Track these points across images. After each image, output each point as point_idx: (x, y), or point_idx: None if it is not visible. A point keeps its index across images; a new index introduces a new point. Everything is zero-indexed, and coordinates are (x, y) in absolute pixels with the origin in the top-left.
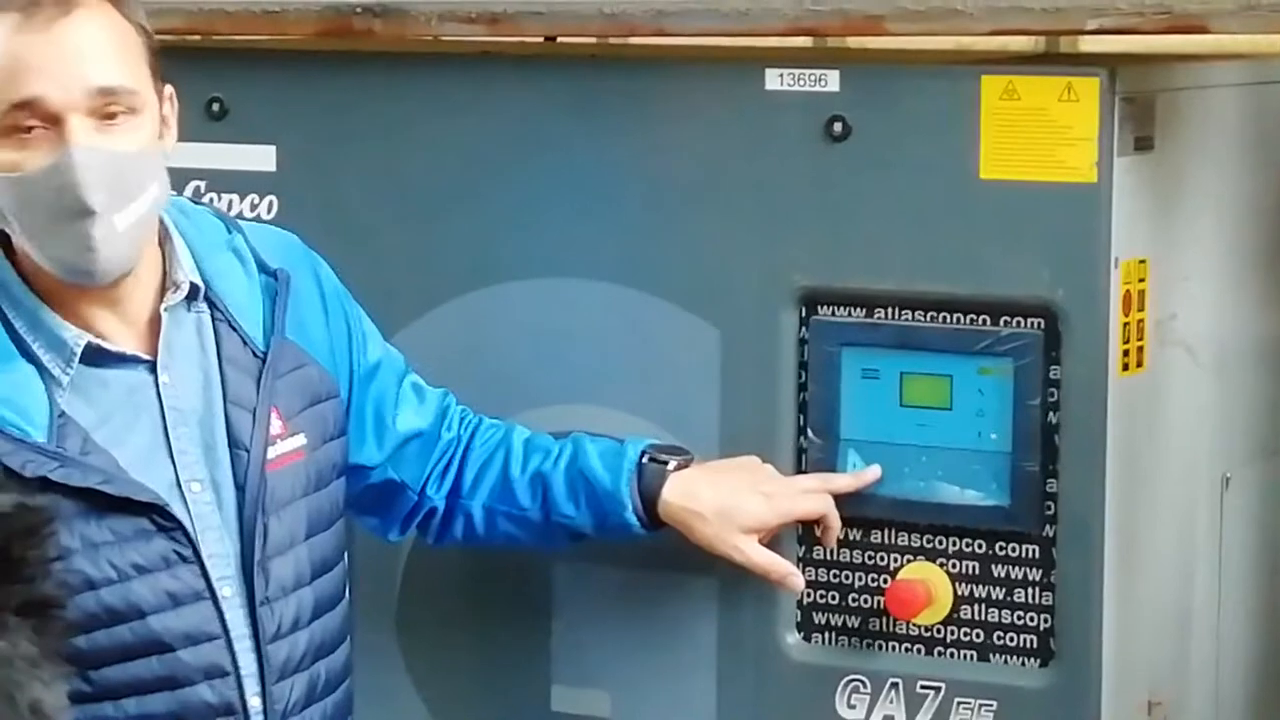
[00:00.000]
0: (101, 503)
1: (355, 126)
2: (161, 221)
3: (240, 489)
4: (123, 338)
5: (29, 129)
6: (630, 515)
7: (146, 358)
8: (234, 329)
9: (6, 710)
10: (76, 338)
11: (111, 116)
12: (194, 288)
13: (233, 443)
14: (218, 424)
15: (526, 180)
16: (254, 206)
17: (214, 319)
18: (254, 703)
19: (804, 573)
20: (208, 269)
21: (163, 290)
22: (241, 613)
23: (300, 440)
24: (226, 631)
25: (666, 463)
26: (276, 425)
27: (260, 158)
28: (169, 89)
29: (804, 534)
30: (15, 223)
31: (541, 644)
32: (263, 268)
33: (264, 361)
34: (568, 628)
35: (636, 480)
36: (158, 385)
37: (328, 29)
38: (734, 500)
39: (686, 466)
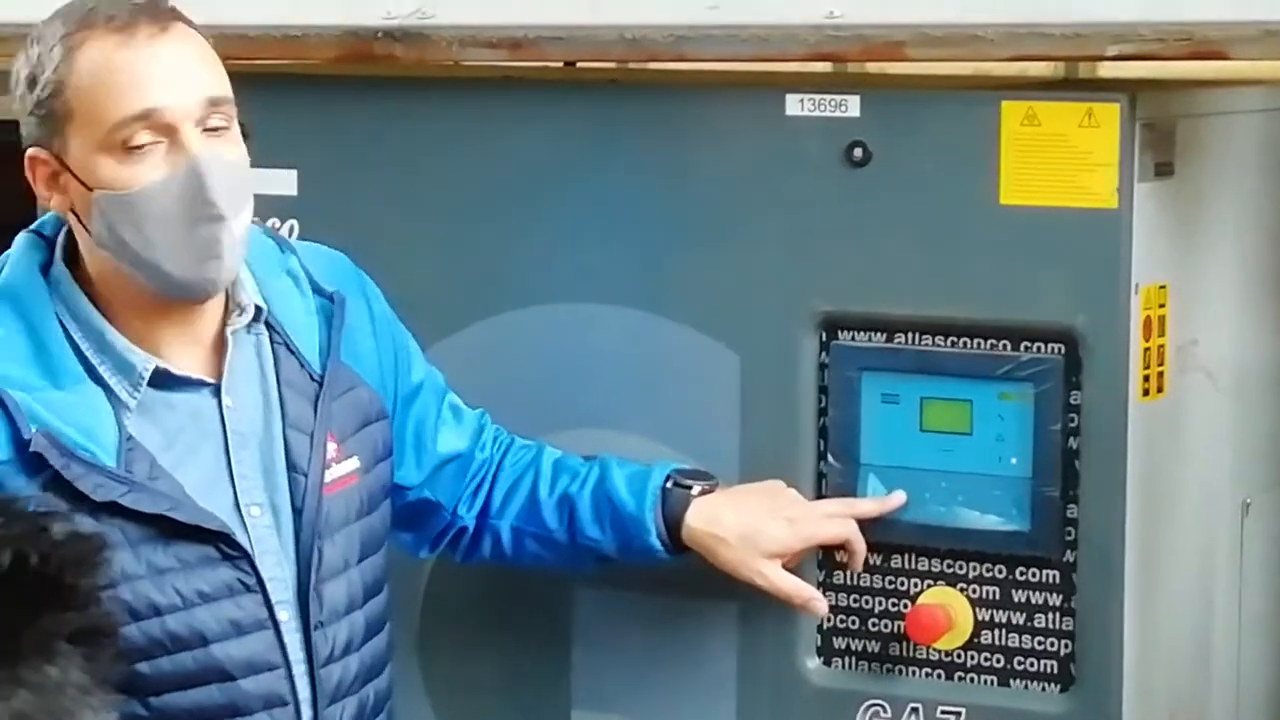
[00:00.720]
0: (169, 529)
1: (376, 151)
2: None
3: (297, 513)
4: (188, 360)
5: (138, 146)
6: (654, 540)
7: (211, 381)
8: (292, 352)
9: None
10: (145, 361)
11: (214, 129)
12: (257, 310)
13: (290, 466)
14: (277, 447)
15: (547, 205)
16: (275, 230)
17: (273, 341)
18: None
19: (825, 597)
20: (267, 291)
21: (226, 312)
22: (297, 637)
23: (354, 463)
24: (287, 659)
25: (690, 487)
26: (331, 449)
27: (282, 182)
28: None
29: (824, 559)
30: (128, 239)
31: (561, 668)
32: (316, 289)
33: (321, 385)
34: (588, 652)
35: (661, 505)
36: (221, 409)
37: (349, 53)
38: (757, 525)
39: (711, 491)
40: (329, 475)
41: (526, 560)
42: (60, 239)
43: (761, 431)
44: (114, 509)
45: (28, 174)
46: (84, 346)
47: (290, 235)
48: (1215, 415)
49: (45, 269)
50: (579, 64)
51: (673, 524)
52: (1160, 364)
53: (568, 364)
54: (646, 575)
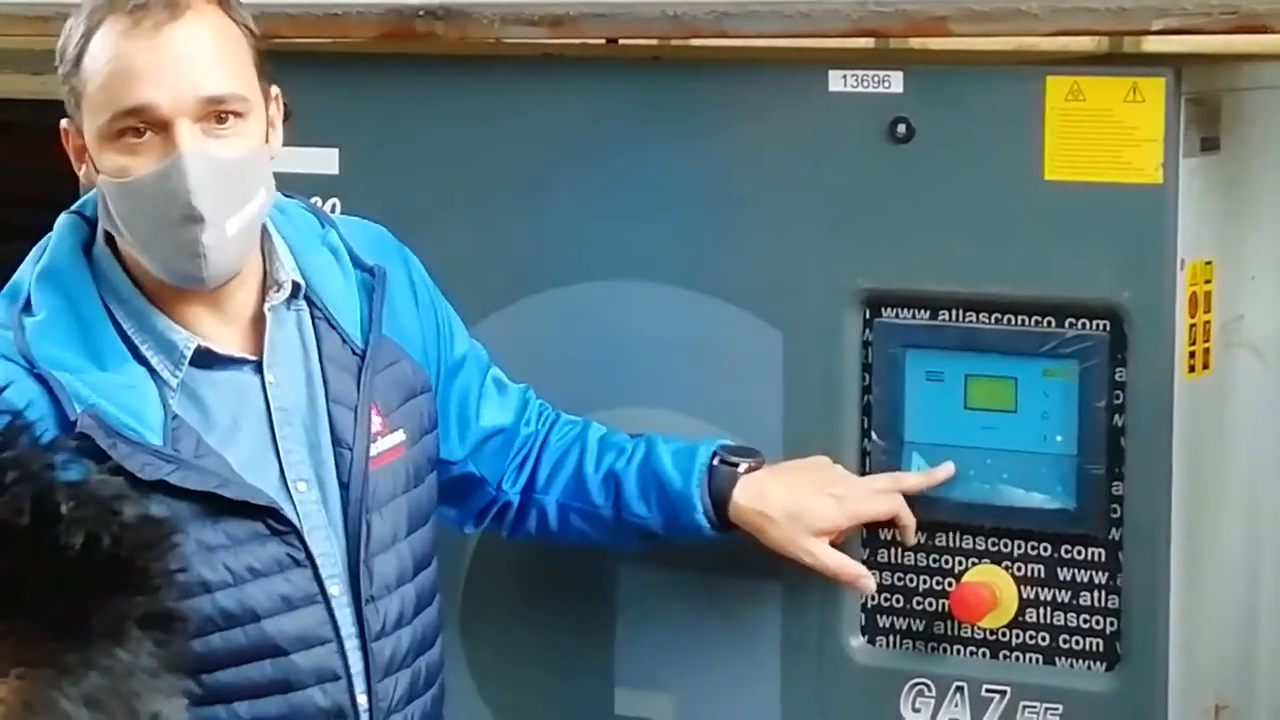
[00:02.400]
0: (217, 506)
1: (418, 129)
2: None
3: (344, 487)
4: (226, 338)
5: (139, 133)
6: (700, 517)
7: (252, 358)
8: (333, 327)
9: None
10: (186, 340)
11: (221, 120)
12: (295, 286)
13: (336, 441)
14: (321, 422)
15: (589, 183)
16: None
17: (313, 317)
18: (360, 700)
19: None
20: (306, 266)
21: (264, 289)
22: (348, 611)
23: (400, 436)
24: (338, 633)
25: (737, 464)
26: (376, 423)
27: (323, 160)
28: (275, 89)
29: (869, 536)
30: (124, 228)
31: (605, 647)
32: (357, 263)
33: (363, 359)
34: (632, 630)
35: (707, 482)
36: (264, 385)
37: (390, 31)
38: (804, 502)
39: (758, 468)
40: (375, 449)
41: (572, 536)
42: (102, 220)
43: (804, 409)
44: (162, 488)
45: (63, 142)
46: (126, 327)
47: (333, 213)
48: (1262, 391)
49: (88, 249)
50: (620, 41)
51: (719, 501)
52: (1206, 340)
53: (610, 342)
54: (690, 552)
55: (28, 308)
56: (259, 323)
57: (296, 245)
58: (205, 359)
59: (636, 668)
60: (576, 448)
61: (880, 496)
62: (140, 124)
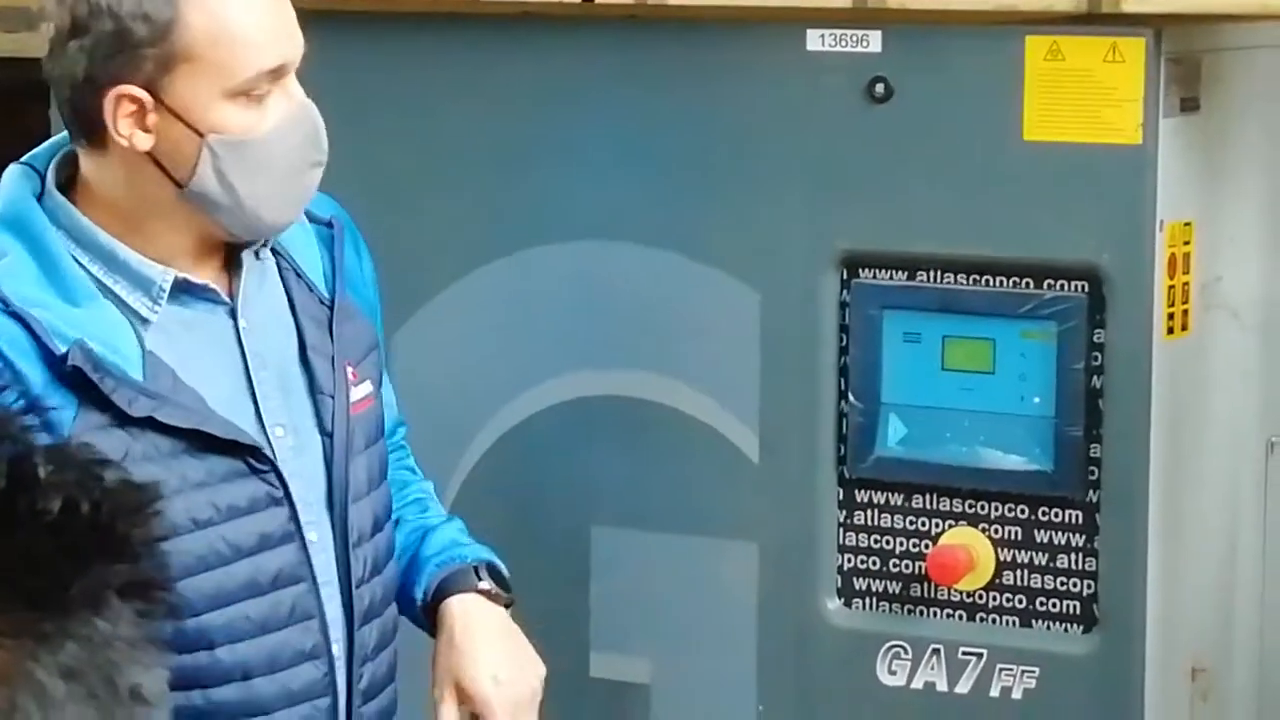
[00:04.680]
0: (201, 443)
1: (392, 88)
2: None
3: (327, 435)
4: (209, 279)
5: (263, 93)
6: (419, 590)
7: (227, 301)
8: (300, 277)
9: (106, 693)
10: (163, 274)
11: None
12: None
13: (317, 389)
14: (293, 370)
15: (565, 142)
16: None
17: (280, 268)
18: (335, 649)
19: (845, 538)
20: None
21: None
22: (326, 557)
23: (368, 387)
24: (314, 575)
25: (482, 580)
26: (349, 372)
27: None
28: None
29: (844, 499)
30: (238, 186)
31: (580, 610)
32: (312, 218)
33: (331, 309)
34: (607, 594)
35: (450, 571)
36: (238, 330)
37: None
38: (482, 657)
39: (500, 603)
40: (351, 397)
41: None
42: (52, 171)
43: (782, 370)
44: (146, 423)
45: (101, 110)
46: (93, 269)
47: None
48: (1240, 353)
49: (40, 199)
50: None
51: (442, 592)
52: (1185, 302)
53: (586, 303)
54: (666, 517)
55: None
56: (229, 270)
57: None
58: (181, 296)
59: (612, 631)
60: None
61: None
62: (270, 82)
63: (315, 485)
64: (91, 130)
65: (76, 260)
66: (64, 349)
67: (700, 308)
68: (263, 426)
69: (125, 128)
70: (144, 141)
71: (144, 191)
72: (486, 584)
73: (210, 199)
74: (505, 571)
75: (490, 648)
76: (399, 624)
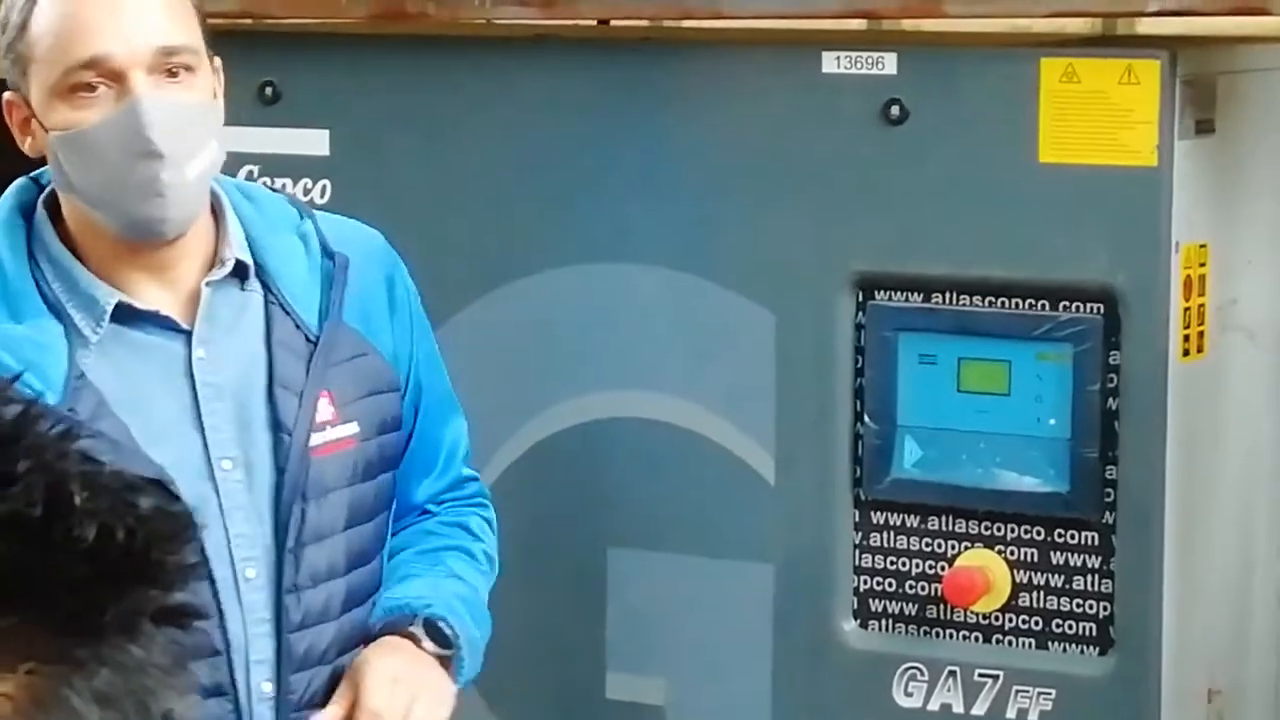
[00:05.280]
0: None
1: (409, 110)
2: (217, 197)
3: (280, 471)
4: (164, 306)
5: (91, 88)
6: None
7: (183, 326)
8: (287, 312)
9: (139, 719)
10: (109, 295)
11: (173, 74)
12: (241, 266)
13: (276, 425)
14: (256, 403)
15: (580, 165)
16: (307, 191)
17: (267, 300)
18: (266, 688)
19: (861, 559)
20: (263, 249)
21: (210, 266)
22: (263, 595)
23: (352, 429)
24: (221, 612)
25: (414, 620)
26: (327, 411)
27: (314, 142)
28: (218, 61)
29: (860, 520)
30: (76, 182)
31: (597, 632)
32: (327, 253)
33: (315, 345)
34: (623, 616)
35: (399, 616)
36: (190, 358)
37: (381, 12)
38: (379, 667)
39: (443, 646)
40: (319, 438)
41: None
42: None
43: (797, 392)
44: None
45: (6, 118)
46: (54, 284)
47: (323, 196)
48: (1256, 375)
49: (32, 211)
50: (612, 22)
51: (383, 628)
52: (1200, 323)
53: (602, 324)
54: (682, 538)
55: None
56: (198, 299)
57: (257, 229)
58: (129, 319)
59: (628, 652)
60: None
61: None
62: (94, 78)
63: (262, 522)
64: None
65: (42, 275)
66: None
67: (716, 329)
68: (208, 459)
69: (19, 133)
70: (32, 148)
71: (61, 196)
72: (417, 629)
73: (73, 194)
74: (452, 630)
75: (396, 657)
76: None
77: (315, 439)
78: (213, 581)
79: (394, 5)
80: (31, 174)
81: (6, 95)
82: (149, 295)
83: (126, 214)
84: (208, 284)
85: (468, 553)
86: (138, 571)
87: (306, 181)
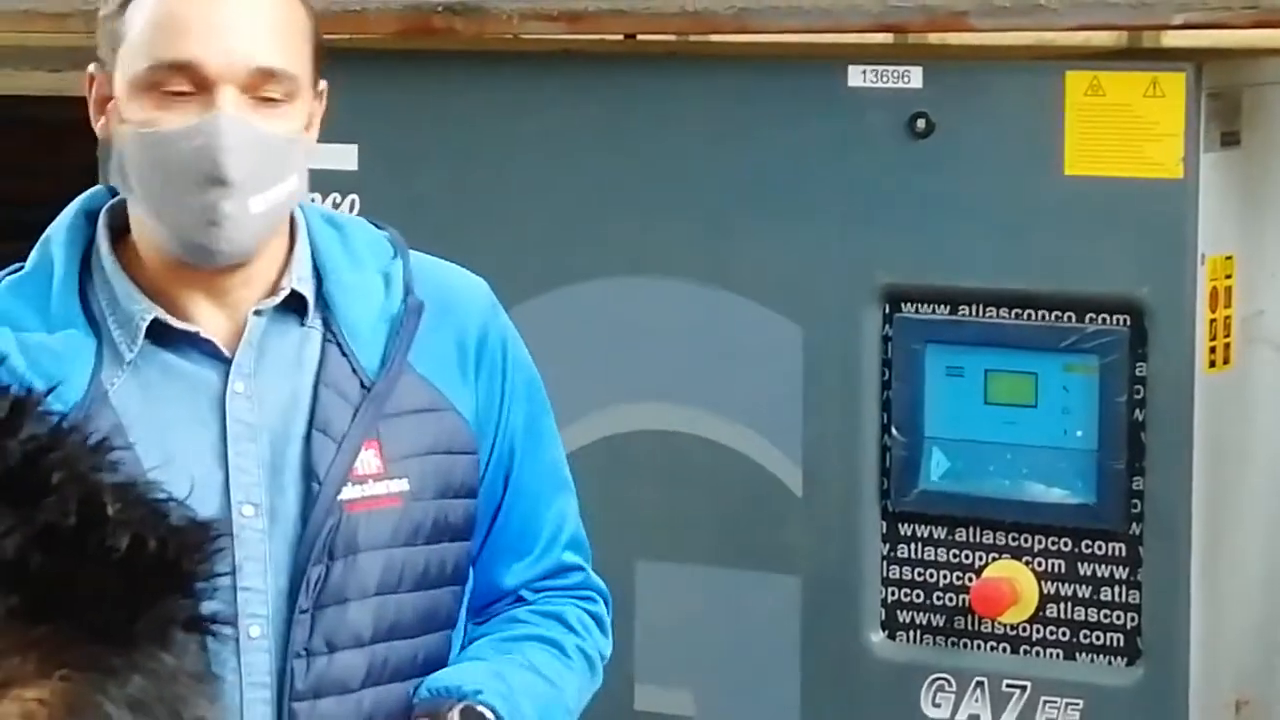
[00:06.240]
0: None
1: (436, 125)
2: (295, 224)
3: (304, 523)
4: (213, 330)
5: (175, 93)
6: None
7: (225, 354)
8: (344, 354)
9: None
10: (145, 311)
11: (267, 100)
12: (299, 298)
13: (308, 473)
14: (292, 449)
15: (607, 179)
16: (335, 205)
17: (325, 339)
18: None
19: (889, 571)
20: (334, 284)
21: (273, 295)
22: (266, 658)
23: (402, 485)
24: (240, 677)
25: (452, 706)
26: (374, 464)
27: (342, 156)
28: (323, 84)
29: (888, 532)
30: (138, 185)
31: (625, 643)
32: (407, 296)
33: (369, 391)
34: (651, 627)
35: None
36: (225, 392)
37: (409, 28)
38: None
39: None
40: (357, 491)
41: None
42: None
43: (824, 404)
44: None
45: (86, 90)
46: (100, 296)
47: (351, 210)
48: None
49: (97, 214)
50: (638, 37)
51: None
52: (1226, 335)
53: (631, 337)
54: (709, 548)
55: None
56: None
57: (334, 262)
58: (167, 340)
59: (656, 664)
60: (529, 619)
61: None
62: (183, 82)
63: (277, 577)
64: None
65: (91, 287)
66: None
67: (743, 342)
68: (228, 503)
69: (95, 110)
70: (102, 130)
71: (125, 193)
72: (453, 715)
73: (131, 197)
74: (496, 715)
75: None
76: None
77: (351, 492)
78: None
79: (421, 21)
80: (112, 182)
81: (91, 68)
82: (200, 317)
83: (178, 233)
84: (257, 312)
85: (556, 645)
86: (169, 581)
87: (335, 196)
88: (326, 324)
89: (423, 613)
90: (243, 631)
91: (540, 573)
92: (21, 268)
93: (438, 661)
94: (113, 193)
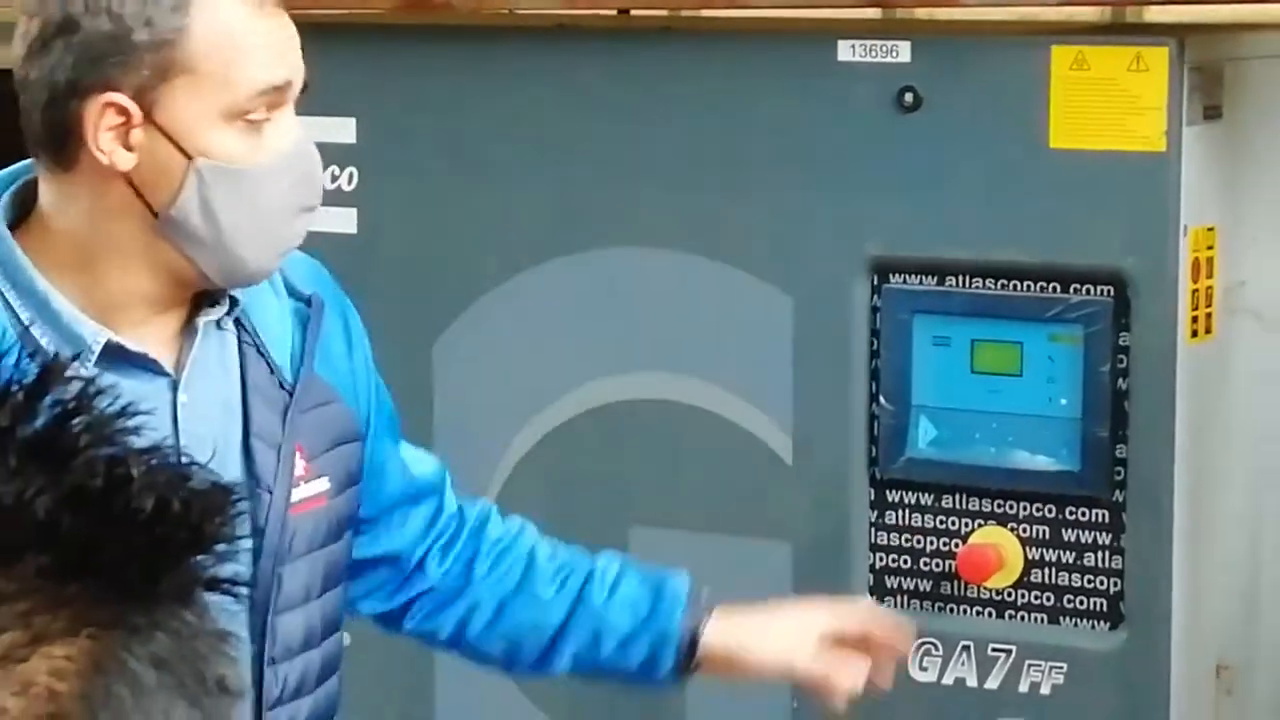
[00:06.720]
0: None
1: (433, 98)
2: None
3: (259, 533)
4: (150, 345)
5: (259, 121)
6: (678, 625)
7: (169, 372)
8: (262, 355)
9: (194, 683)
10: (96, 334)
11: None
12: (233, 303)
13: (255, 481)
14: (232, 457)
15: (601, 151)
16: (335, 178)
17: (241, 342)
18: None
19: (876, 537)
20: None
21: (195, 303)
22: (243, 669)
23: (323, 484)
24: None
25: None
26: (300, 466)
27: (341, 129)
28: None
29: (876, 499)
30: (221, 218)
31: None
32: (293, 293)
33: (291, 394)
34: None
35: (681, 620)
36: (175, 405)
37: (406, 3)
38: (769, 624)
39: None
40: (296, 494)
41: (486, 646)
42: (5, 200)
43: (814, 373)
44: None
45: (82, 118)
46: (22, 314)
47: (350, 182)
48: (1263, 356)
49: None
50: (632, 11)
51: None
52: (1208, 305)
53: (625, 307)
54: (700, 517)
55: None
56: (179, 338)
57: None
58: (113, 360)
59: None
60: (524, 538)
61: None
62: (267, 107)
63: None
64: (63, 145)
65: (6, 301)
66: None
67: (735, 313)
68: None
69: (106, 142)
70: (125, 161)
71: (108, 221)
72: (702, 604)
73: (189, 230)
74: (690, 584)
75: (763, 619)
76: None
77: (293, 496)
78: None
79: None
80: None
81: (107, 95)
82: (141, 334)
83: (251, 259)
84: (204, 324)
85: (585, 555)
86: (192, 542)
87: (334, 168)
88: (240, 325)
89: (340, 607)
90: None
91: (441, 516)
92: None
93: (341, 654)
94: None
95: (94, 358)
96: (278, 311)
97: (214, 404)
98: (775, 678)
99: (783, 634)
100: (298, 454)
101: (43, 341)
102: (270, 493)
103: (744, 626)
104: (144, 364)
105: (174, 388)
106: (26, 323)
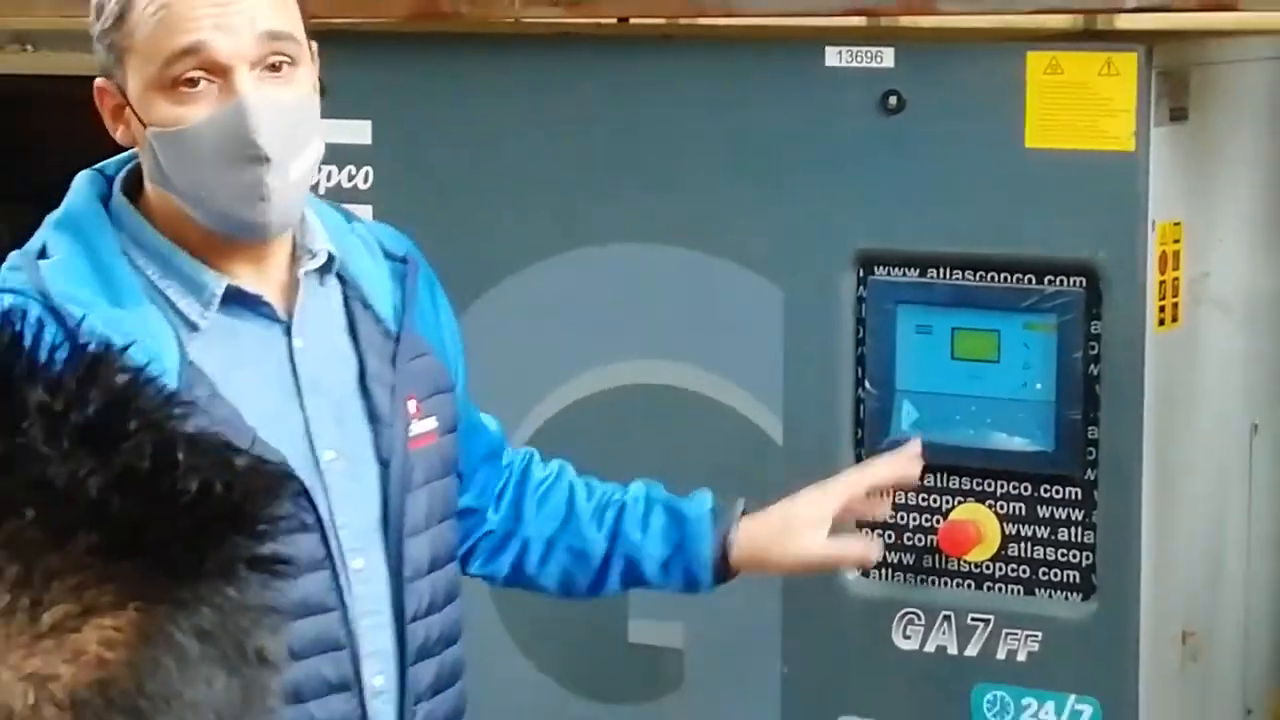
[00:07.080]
0: None
1: (445, 102)
2: None
3: (384, 464)
4: (269, 296)
5: (192, 82)
6: (708, 549)
7: (282, 317)
8: (367, 307)
9: (236, 655)
10: (217, 280)
11: (275, 68)
12: (330, 258)
13: (375, 418)
14: (350, 398)
15: (603, 151)
16: (351, 177)
17: (347, 296)
18: (378, 682)
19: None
20: (338, 247)
21: (293, 257)
22: (372, 587)
23: (432, 423)
24: (344, 604)
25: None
26: (412, 406)
27: (357, 131)
28: (314, 45)
29: None
30: (176, 180)
31: None
32: (387, 254)
33: (397, 342)
34: None
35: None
36: (291, 349)
37: (418, 11)
38: (788, 510)
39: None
40: (413, 429)
41: (544, 579)
42: (122, 175)
43: (803, 360)
44: None
45: (97, 103)
46: (149, 272)
47: (365, 182)
48: (1226, 343)
49: (106, 203)
50: (632, 20)
51: (722, 543)
52: (1175, 296)
53: (627, 299)
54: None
55: (43, 255)
56: (290, 292)
57: (327, 225)
58: (233, 306)
59: (648, 600)
60: (564, 480)
61: (856, 475)
62: (196, 72)
63: (367, 513)
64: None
65: (134, 263)
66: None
67: (729, 304)
68: (312, 449)
69: (110, 121)
70: (125, 137)
71: (151, 187)
72: (734, 515)
73: (171, 191)
74: (711, 504)
75: (780, 509)
76: (463, 668)
77: (411, 431)
78: (335, 573)
79: (429, 5)
80: (95, 167)
81: (98, 81)
82: (247, 282)
83: (227, 216)
84: (304, 274)
85: (618, 489)
86: (234, 522)
87: (351, 168)
88: (342, 280)
89: (454, 540)
90: (348, 567)
91: (501, 433)
92: (18, 266)
93: (459, 588)
94: (104, 175)
95: (217, 301)
96: (374, 269)
97: (329, 350)
98: (803, 574)
99: (798, 531)
100: (408, 396)
101: (167, 292)
102: (391, 427)
103: (765, 531)
104: (260, 310)
105: (288, 333)
106: (151, 277)
